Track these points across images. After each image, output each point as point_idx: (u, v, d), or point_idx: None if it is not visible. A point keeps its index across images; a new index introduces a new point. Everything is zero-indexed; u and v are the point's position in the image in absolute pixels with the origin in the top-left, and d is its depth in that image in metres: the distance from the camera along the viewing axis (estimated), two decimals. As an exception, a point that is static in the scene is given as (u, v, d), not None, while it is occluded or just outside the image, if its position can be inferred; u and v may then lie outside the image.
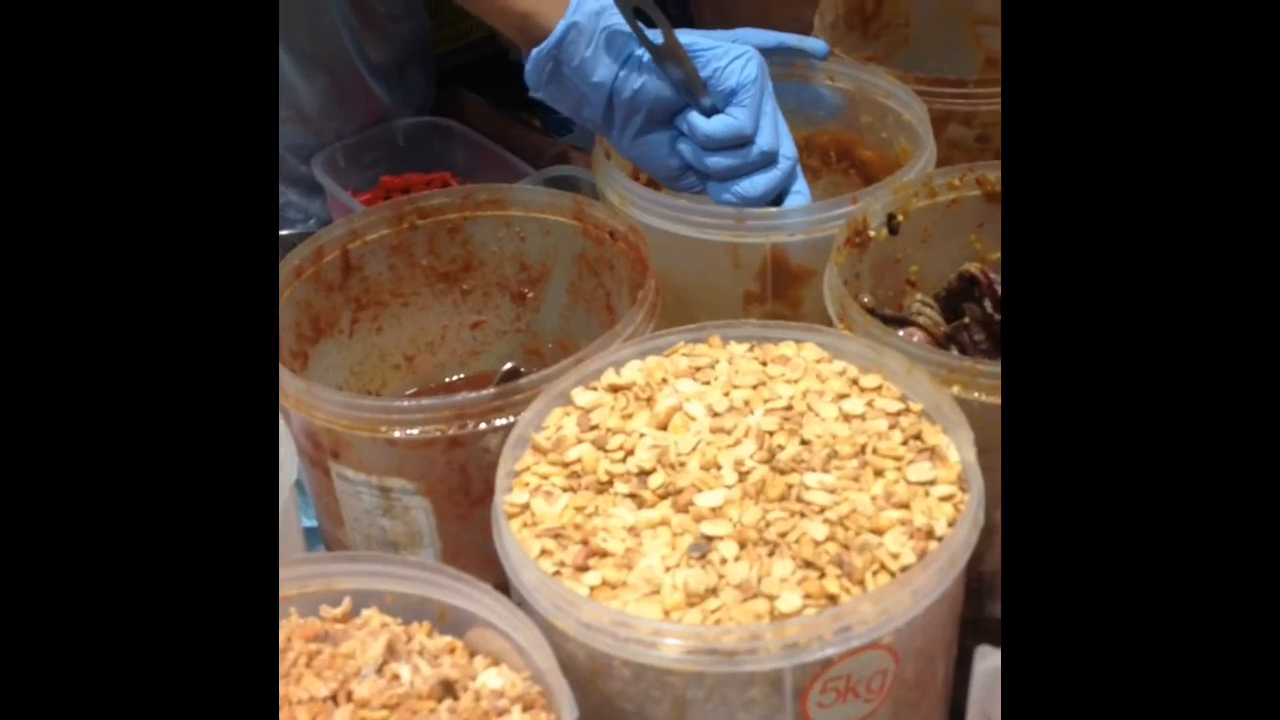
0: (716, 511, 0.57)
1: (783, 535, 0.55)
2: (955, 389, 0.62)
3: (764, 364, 0.65)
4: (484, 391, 0.64)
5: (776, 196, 0.78)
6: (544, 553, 0.56)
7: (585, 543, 0.56)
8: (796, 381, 0.63)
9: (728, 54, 0.76)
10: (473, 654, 0.55)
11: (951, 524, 0.55)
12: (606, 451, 0.60)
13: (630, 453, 0.60)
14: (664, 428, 0.61)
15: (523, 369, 0.79)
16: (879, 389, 0.63)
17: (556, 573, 0.55)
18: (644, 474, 0.59)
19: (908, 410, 0.61)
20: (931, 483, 0.57)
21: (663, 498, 0.58)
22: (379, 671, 0.52)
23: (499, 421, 0.64)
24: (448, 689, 0.52)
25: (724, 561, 0.54)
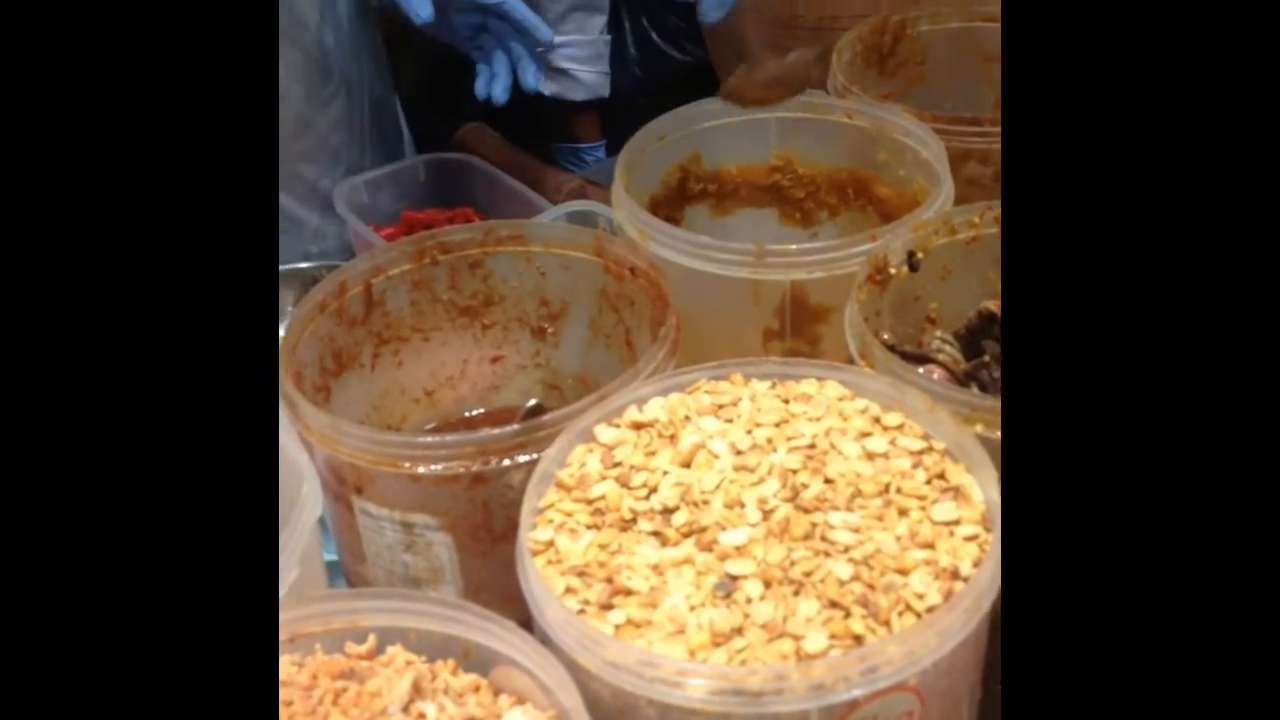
0: (741, 550, 0.57)
1: (807, 574, 0.55)
2: (978, 428, 0.62)
3: (786, 402, 0.65)
4: (507, 428, 0.65)
5: None
6: (568, 590, 0.56)
7: (610, 581, 0.56)
8: (819, 419, 0.64)
9: None
10: (497, 692, 0.55)
11: (976, 564, 0.55)
12: (630, 489, 0.61)
13: (654, 490, 0.60)
14: (687, 465, 0.62)
15: (545, 405, 0.80)
16: (901, 427, 0.63)
17: (581, 611, 0.55)
18: (668, 511, 0.59)
19: (931, 449, 0.61)
20: (956, 523, 0.57)
21: (686, 536, 0.58)
22: (405, 710, 0.52)
23: (522, 458, 0.64)
24: (473, 728, 0.52)
25: (749, 601, 0.54)
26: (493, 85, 1.03)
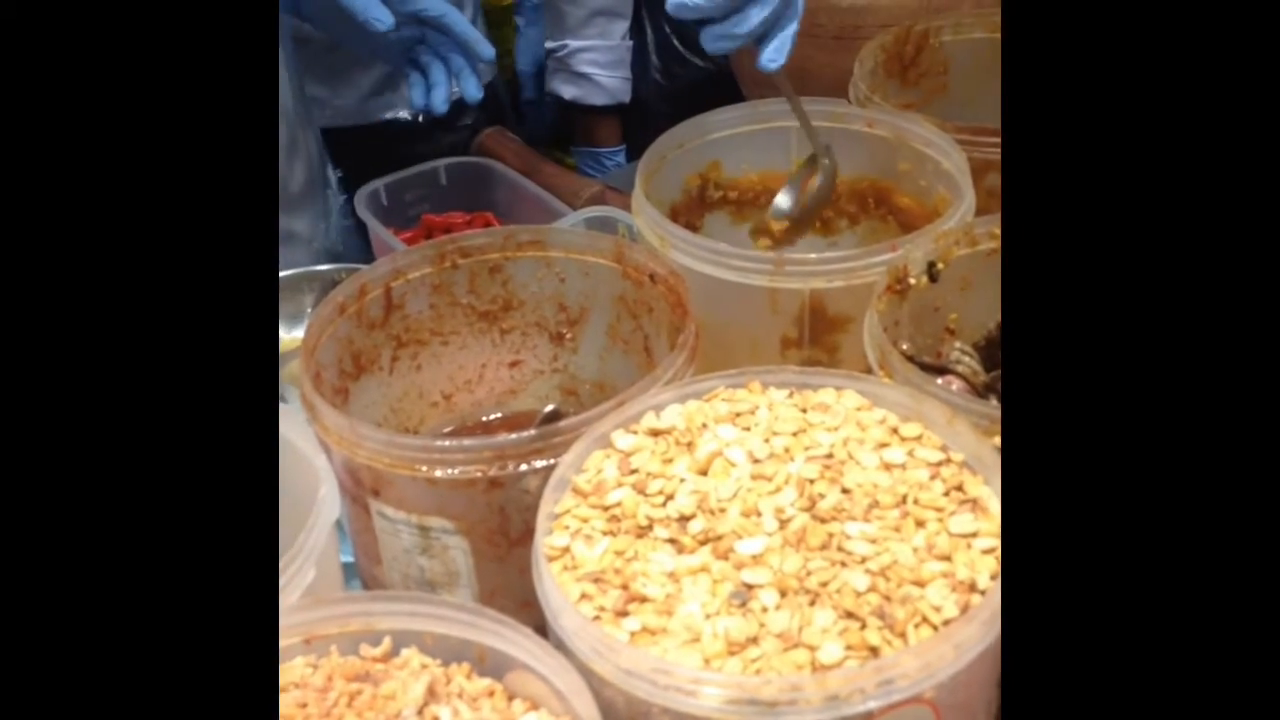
0: (757, 559, 0.57)
1: (824, 585, 0.55)
2: (997, 440, 0.62)
3: (804, 411, 0.65)
4: (525, 433, 0.65)
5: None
6: (584, 597, 0.56)
7: (625, 587, 0.56)
8: (837, 429, 0.63)
9: None
10: (511, 697, 0.55)
11: (994, 577, 0.55)
12: (647, 496, 0.61)
13: (670, 497, 0.60)
14: (704, 473, 0.62)
15: (562, 411, 0.80)
16: (919, 438, 0.63)
17: (596, 617, 0.55)
18: (684, 519, 0.59)
19: (949, 461, 0.61)
20: (974, 535, 0.57)
21: (703, 543, 0.58)
22: (420, 713, 0.52)
23: (539, 463, 0.64)
24: (487, 732, 0.52)
25: (765, 610, 0.54)
26: (431, 96, 1.01)
